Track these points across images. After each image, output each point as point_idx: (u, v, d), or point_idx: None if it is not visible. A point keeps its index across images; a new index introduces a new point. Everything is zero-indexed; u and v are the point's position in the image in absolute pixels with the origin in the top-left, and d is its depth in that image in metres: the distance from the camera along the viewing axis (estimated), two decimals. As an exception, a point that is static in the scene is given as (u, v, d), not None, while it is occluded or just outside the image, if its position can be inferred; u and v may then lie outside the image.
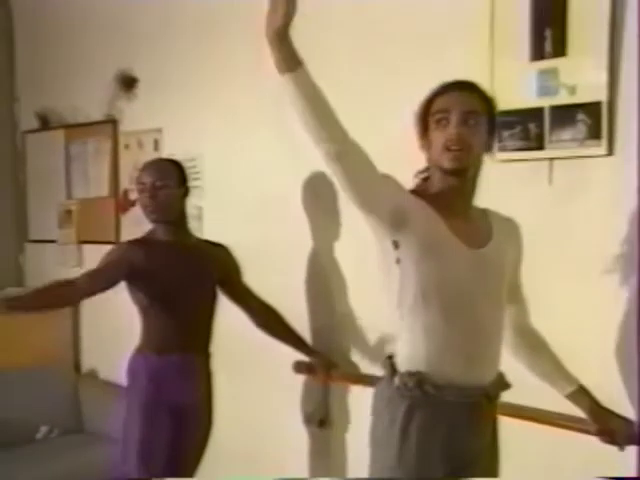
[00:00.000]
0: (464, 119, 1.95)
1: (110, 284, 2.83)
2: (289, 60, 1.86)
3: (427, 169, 2.10)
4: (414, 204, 1.99)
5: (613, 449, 2.17)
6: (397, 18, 2.86)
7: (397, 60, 2.86)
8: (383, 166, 2.77)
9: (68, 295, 2.84)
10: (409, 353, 2.02)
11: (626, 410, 2.23)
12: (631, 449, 2.19)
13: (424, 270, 1.96)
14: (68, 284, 2.78)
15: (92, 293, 2.81)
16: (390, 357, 2.08)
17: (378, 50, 2.94)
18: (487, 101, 2.02)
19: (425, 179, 2.10)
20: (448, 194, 2.02)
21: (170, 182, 2.95)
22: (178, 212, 3.01)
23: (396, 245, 1.97)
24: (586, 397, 2.19)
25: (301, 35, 3.13)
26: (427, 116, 2.02)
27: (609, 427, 2.16)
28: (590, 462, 2.28)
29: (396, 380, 2.00)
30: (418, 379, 1.97)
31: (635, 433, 2.17)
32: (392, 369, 2.04)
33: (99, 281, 2.81)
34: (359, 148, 1.94)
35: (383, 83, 2.92)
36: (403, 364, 2.02)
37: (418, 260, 1.96)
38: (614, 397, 2.24)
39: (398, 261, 1.98)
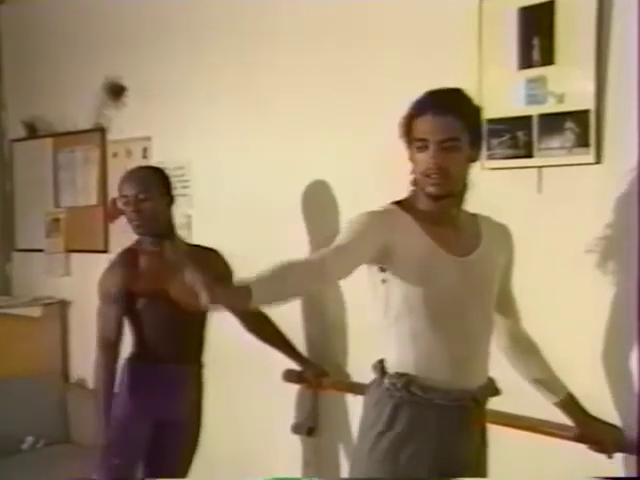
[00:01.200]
0: (441, 147, 1.94)
1: (120, 315, 2.95)
2: (244, 300, 1.81)
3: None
4: (396, 229, 1.99)
5: (601, 457, 2.17)
6: (385, 26, 2.87)
7: (385, 68, 2.87)
8: (373, 172, 2.82)
9: None
10: (397, 358, 2.04)
11: (614, 418, 2.24)
12: (619, 457, 2.19)
13: (410, 285, 1.99)
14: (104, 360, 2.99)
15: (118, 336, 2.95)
16: (381, 361, 2.09)
17: (365, 58, 2.95)
18: (466, 117, 1.99)
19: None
20: (432, 211, 2.03)
21: (154, 193, 2.91)
22: (165, 222, 2.98)
23: (382, 269, 2.01)
24: (575, 406, 2.20)
25: (286, 36, 3.20)
26: (409, 134, 2.01)
27: (597, 436, 2.17)
28: (578, 470, 2.28)
29: (385, 381, 2.02)
30: (407, 380, 1.98)
31: (623, 441, 2.17)
32: (382, 371, 2.06)
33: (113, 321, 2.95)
34: (331, 255, 1.94)
35: (371, 91, 2.93)
36: (393, 368, 2.04)
37: (404, 277, 1.99)
38: (602, 403, 2.25)
39: (384, 281, 2.01)
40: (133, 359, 2.99)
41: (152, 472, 2.98)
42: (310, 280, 1.94)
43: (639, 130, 2.17)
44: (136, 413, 2.89)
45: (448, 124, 1.95)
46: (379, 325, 2.08)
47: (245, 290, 1.77)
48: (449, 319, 2.00)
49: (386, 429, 2.00)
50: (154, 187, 2.93)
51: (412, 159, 2.01)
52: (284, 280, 1.85)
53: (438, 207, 2.03)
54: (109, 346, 2.90)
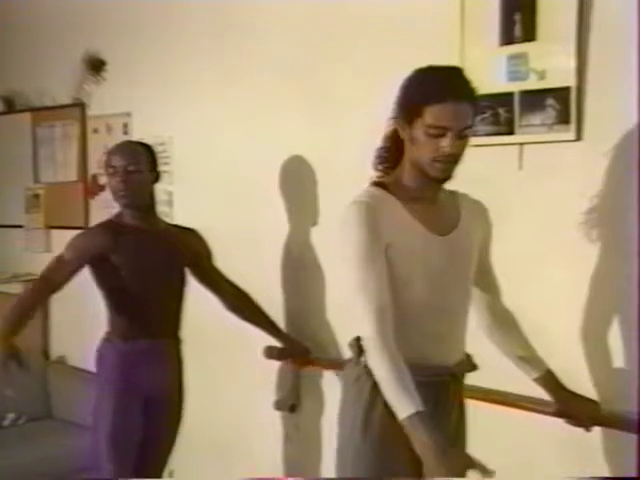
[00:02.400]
0: (460, 135, 1.92)
1: (74, 274, 2.88)
2: None
3: (391, 150, 2.09)
4: (389, 221, 1.97)
5: (579, 430, 2.20)
6: (365, 2, 2.85)
7: (368, 44, 2.85)
8: (354, 148, 2.81)
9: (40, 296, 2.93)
10: None
11: (591, 392, 2.27)
12: (597, 430, 2.22)
13: (391, 264, 1.97)
14: (31, 291, 2.91)
15: (59, 285, 2.87)
16: (358, 339, 2.08)
17: (347, 33, 2.93)
18: (476, 102, 1.97)
19: (391, 163, 2.10)
20: (420, 186, 2.02)
21: (142, 166, 2.92)
22: (149, 197, 2.98)
23: None
24: (553, 381, 2.21)
25: (268, 15, 3.17)
26: (416, 115, 1.93)
27: (575, 410, 2.19)
28: (556, 443, 2.31)
29: (362, 360, 2.02)
30: None
31: (600, 415, 2.20)
32: (359, 349, 2.05)
33: (64, 273, 2.88)
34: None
35: (353, 66, 2.91)
36: None
37: (390, 259, 1.97)
38: (580, 379, 2.27)
39: None
40: (111, 337, 2.98)
41: (139, 451, 2.97)
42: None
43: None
44: (124, 395, 2.88)
45: (467, 111, 1.92)
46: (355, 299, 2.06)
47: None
48: (428, 296, 2.00)
49: (369, 408, 2.00)
50: (143, 161, 2.93)
51: (414, 142, 1.96)
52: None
53: (428, 188, 2.03)
54: (47, 285, 2.90)
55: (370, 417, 2.00)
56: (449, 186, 2.10)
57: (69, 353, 4.53)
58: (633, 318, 2.16)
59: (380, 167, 2.12)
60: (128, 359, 2.91)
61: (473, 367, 2.12)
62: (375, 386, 1.98)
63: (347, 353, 2.90)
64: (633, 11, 2.15)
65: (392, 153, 2.09)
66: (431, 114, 1.90)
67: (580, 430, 2.19)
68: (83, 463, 3.05)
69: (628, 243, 2.18)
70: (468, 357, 2.11)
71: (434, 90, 1.92)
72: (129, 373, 2.89)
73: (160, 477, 3.10)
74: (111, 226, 2.95)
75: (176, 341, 3.04)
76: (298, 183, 3.22)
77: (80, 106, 4.24)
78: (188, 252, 3.06)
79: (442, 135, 1.90)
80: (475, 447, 2.14)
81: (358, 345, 2.06)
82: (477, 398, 2.21)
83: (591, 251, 2.28)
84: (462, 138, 1.94)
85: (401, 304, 1.99)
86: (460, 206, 2.12)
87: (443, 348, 2.04)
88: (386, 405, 1.95)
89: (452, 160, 1.95)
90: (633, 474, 2.05)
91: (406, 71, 2.02)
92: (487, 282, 2.22)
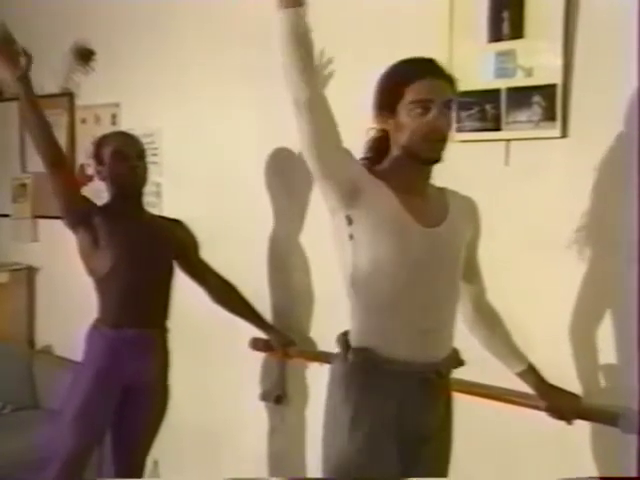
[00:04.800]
0: (445, 107, 1.96)
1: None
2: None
3: (377, 146, 2.11)
4: (369, 180, 1.99)
5: (561, 423, 2.23)
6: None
7: (356, 40, 2.86)
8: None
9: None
10: (360, 329, 2.05)
11: (573, 386, 2.29)
12: (579, 423, 2.25)
13: (377, 247, 1.98)
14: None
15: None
16: (345, 333, 2.09)
17: (335, 30, 2.93)
18: (454, 83, 2.02)
19: (378, 156, 2.11)
20: (409, 175, 2.03)
21: (145, 155, 2.99)
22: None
23: (349, 221, 1.99)
24: (535, 375, 2.25)
25: (258, 14, 3.17)
26: (397, 99, 1.98)
27: (557, 404, 2.22)
28: (540, 437, 2.34)
29: (349, 357, 2.03)
30: (368, 355, 2.00)
31: (581, 408, 2.23)
32: (346, 345, 2.06)
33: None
34: (328, 103, 1.95)
35: (342, 63, 2.92)
36: (355, 341, 2.05)
37: (371, 237, 1.98)
38: (563, 373, 2.30)
39: (351, 237, 1.99)
40: (98, 324, 2.99)
41: (119, 440, 3.00)
42: None
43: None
44: (103, 379, 2.89)
45: (446, 87, 1.99)
46: (345, 294, 2.08)
47: None
48: (415, 290, 2.00)
49: (358, 405, 2.00)
50: (145, 150, 3.00)
51: (400, 127, 1.99)
52: None
53: (418, 178, 2.05)
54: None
55: (358, 416, 2.00)
56: (437, 183, 2.13)
57: (55, 342, 4.53)
58: (620, 313, 2.19)
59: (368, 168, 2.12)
60: (114, 346, 2.92)
61: (460, 363, 2.13)
62: (362, 385, 2.00)
63: (332, 345, 2.97)
64: (620, 10, 2.17)
65: (378, 154, 2.12)
66: (412, 90, 1.96)
67: (562, 423, 2.22)
68: (51, 448, 3.01)
69: (618, 239, 2.21)
70: (455, 352, 2.12)
71: (412, 70, 2.00)
72: (113, 360, 2.90)
73: (143, 466, 3.11)
74: (104, 210, 2.96)
75: (163, 331, 3.05)
76: (285, 175, 3.23)
77: (68, 96, 4.23)
78: (175, 243, 3.08)
79: (426, 111, 1.95)
80: (460, 440, 2.17)
81: (345, 340, 2.07)
82: (461, 391, 2.23)
83: (577, 246, 2.30)
84: (446, 114, 1.98)
85: (387, 298, 2.00)
86: (449, 202, 2.14)
87: (430, 344, 2.04)
88: (374, 400, 1.98)
89: (440, 138, 1.98)
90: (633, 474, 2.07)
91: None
92: (472, 278, 2.24)
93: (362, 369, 2.01)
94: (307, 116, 1.89)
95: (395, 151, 2.06)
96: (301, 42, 1.88)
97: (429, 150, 1.98)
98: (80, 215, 2.85)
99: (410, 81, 1.97)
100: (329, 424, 2.10)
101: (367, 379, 2.00)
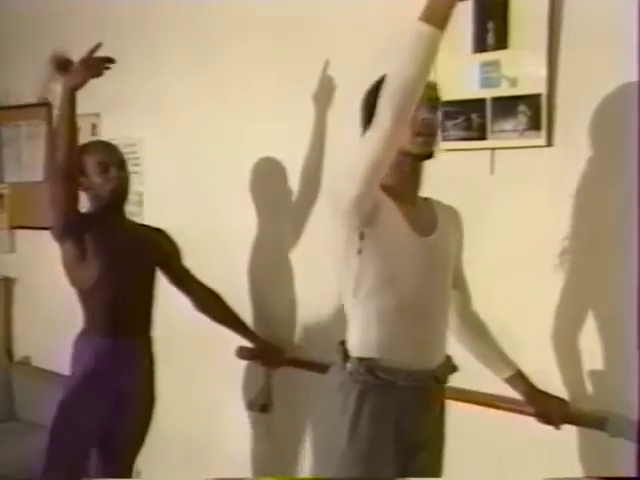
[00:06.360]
0: (431, 107, 2.00)
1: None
2: (444, 20, 1.79)
3: None
4: (380, 195, 2.00)
5: (549, 428, 2.26)
6: (340, 7, 2.88)
7: (339, 52, 2.89)
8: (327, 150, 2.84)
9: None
10: (361, 340, 2.04)
11: (560, 391, 2.33)
12: (567, 428, 2.28)
13: (383, 259, 2.00)
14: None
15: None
16: (342, 343, 2.10)
17: (320, 42, 2.97)
18: (435, 88, 2.06)
19: None
20: (402, 182, 2.05)
21: (127, 165, 2.98)
22: None
23: (362, 236, 1.98)
24: (523, 381, 2.27)
25: (241, 12, 3.19)
26: None
27: (545, 409, 2.25)
28: (529, 442, 2.37)
29: (348, 366, 2.03)
30: (370, 364, 2.00)
31: (569, 413, 2.26)
32: (344, 355, 2.06)
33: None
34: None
35: (336, 68, 2.95)
36: (355, 350, 2.05)
37: (378, 250, 1.99)
38: (550, 380, 2.33)
39: (359, 252, 1.99)
40: (83, 334, 2.97)
41: (104, 449, 2.97)
42: None
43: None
44: (89, 390, 2.87)
45: (431, 91, 2.02)
46: (345, 305, 2.09)
47: None
48: (413, 299, 2.02)
49: (357, 416, 2.00)
50: (126, 160, 2.98)
51: None
52: None
53: (408, 173, 2.06)
54: None
55: (357, 426, 2.00)
56: (423, 190, 2.15)
57: (33, 353, 4.50)
58: (605, 320, 2.22)
59: None
60: (102, 356, 2.89)
61: (454, 369, 2.15)
62: (361, 393, 2.00)
63: (318, 354, 2.99)
64: (604, 19, 2.21)
65: None
66: None
67: (550, 428, 2.25)
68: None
69: (598, 247, 2.25)
70: (449, 359, 2.14)
71: None
72: (101, 370, 2.88)
73: (129, 476, 3.09)
74: (87, 220, 2.93)
75: (148, 340, 3.03)
76: (269, 184, 3.24)
77: (47, 106, 4.21)
78: (157, 251, 3.07)
79: (416, 112, 1.93)
80: (450, 446, 2.19)
81: (343, 350, 2.08)
82: (450, 398, 2.25)
83: (563, 253, 2.34)
84: (433, 112, 2.02)
85: (389, 309, 2.01)
86: (435, 211, 2.17)
87: (426, 352, 2.05)
88: (370, 411, 1.99)
89: (431, 132, 2.02)
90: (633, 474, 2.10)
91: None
92: (458, 286, 2.26)
93: (361, 378, 2.01)
94: (377, 145, 1.84)
95: None
96: (427, 69, 1.82)
97: (422, 144, 2.00)
98: (73, 227, 2.82)
99: None
100: (326, 433, 2.09)
101: (366, 387, 2.01)
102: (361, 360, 2.02)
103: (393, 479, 2.03)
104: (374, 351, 2.02)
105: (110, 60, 2.80)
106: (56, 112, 4.10)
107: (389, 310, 2.01)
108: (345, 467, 2.01)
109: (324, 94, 2.99)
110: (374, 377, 2.00)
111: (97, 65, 2.78)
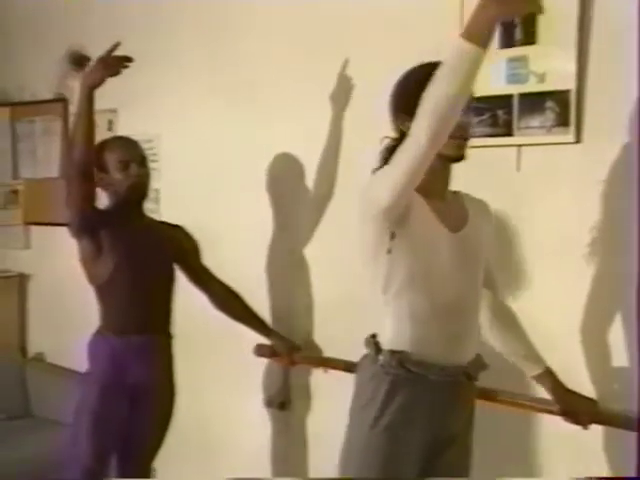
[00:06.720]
0: (466, 109, 1.94)
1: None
2: (487, 38, 1.73)
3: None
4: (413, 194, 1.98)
5: (577, 428, 2.24)
6: (363, 2, 2.86)
7: (362, 46, 2.87)
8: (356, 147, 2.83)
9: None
10: (393, 334, 2.04)
11: (590, 391, 2.30)
12: (595, 428, 2.25)
13: (413, 258, 1.99)
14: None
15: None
16: (374, 336, 2.09)
17: (341, 35, 2.94)
18: None
19: None
20: (432, 180, 2.01)
21: (147, 162, 2.97)
22: None
23: (392, 236, 1.97)
24: (552, 379, 2.25)
25: (258, 11, 3.17)
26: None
27: (574, 408, 2.22)
28: (555, 441, 2.35)
29: (380, 358, 2.03)
30: (401, 357, 1.99)
31: (598, 413, 2.24)
32: (376, 347, 2.06)
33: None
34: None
35: (349, 70, 2.93)
36: (387, 344, 2.04)
37: (409, 249, 1.98)
38: (579, 377, 2.31)
39: (389, 251, 1.98)
40: (102, 331, 2.96)
41: (125, 446, 2.96)
42: None
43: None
44: (112, 387, 2.86)
45: None
46: (375, 302, 2.07)
47: None
48: (445, 294, 2.01)
49: (384, 406, 2.00)
50: (146, 157, 2.98)
51: None
52: None
53: (441, 172, 2.05)
54: None
55: (384, 414, 2.00)
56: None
57: (47, 350, 4.49)
58: (632, 317, 2.20)
59: None
60: (119, 354, 2.88)
61: (484, 366, 2.13)
62: (391, 385, 2.00)
63: (334, 351, 2.98)
64: (633, 15, 2.18)
65: None
66: None
67: (578, 428, 2.23)
68: (64, 459, 2.98)
69: (628, 243, 2.21)
70: (479, 356, 2.12)
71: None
72: (119, 368, 2.87)
73: (148, 473, 3.09)
74: (106, 217, 2.92)
75: (167, 337, 3.02)
76: (285, 181, 3.23)
77: (62, 102, 4.20)
78: (175, 248, 3.05)
79: None
80: (475, 445, 2.17)
81: (375, 342, 2.07)
82: (479, 397, 2.22)
83: (591, 251, 2.32)
84: (467, 114, 1.99)
85: (420, 305, 2.00)
86: (466, 204, 2.15)
87: (458, 347, 2.05)
88: (400, 404, 1.98)
89: (465, 135, 2.01)
90: (632, 474, 2.07)
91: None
92: (488, 280, 2.23)
93: (393, 370, 2.00)
94: (413, 160, 1.82)
95: None
96: (468, 84, 1.77)
97: (454, 147, 1.99)
98: (89, 223, 2.81)
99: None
100: (353, 426, 2.09)
101: (397, 380, 2.00)
102: (393, 353, 2.01)
103: (418, 473, 2.03)
104: (406, 345, 2.01)
105: (128, 59, 2.76)
106: (72, 108, 4.14)
107: (421, 306, 2.00)
108: (371, 454, 2.01)
109: (342, 93, 2.97)
110: (405, 370, 2.00)
111: (116, 64, 2.75)
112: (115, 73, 2.77)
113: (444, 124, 1.77)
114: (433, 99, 1.75)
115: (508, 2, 1.71)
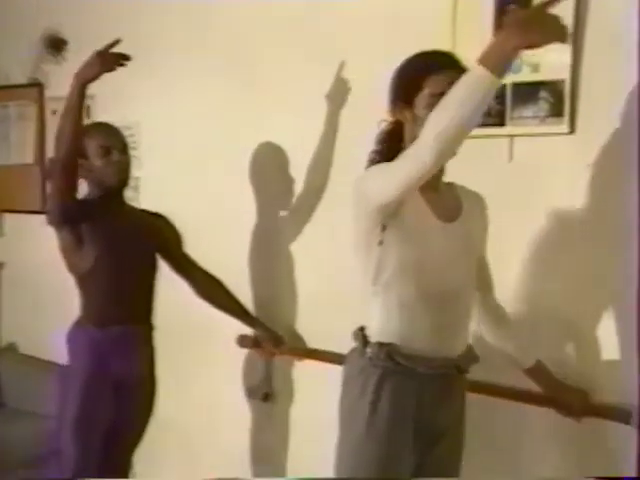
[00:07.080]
0: None
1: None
2: (504, 68, 1.71)
3: (389, 139, 2.09)
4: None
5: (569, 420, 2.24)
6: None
7: (355, 42, 2.82)
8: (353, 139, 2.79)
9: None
10: (382, 326, 2.02)
11: (582, 383, 2.29)
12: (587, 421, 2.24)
13: (404, 248, 1.97)
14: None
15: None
16: (362, 329, 2.07)
17: (332, 31, 2.89)
18: None
19: (389, 149, 2.08)
20: None
21: (128, 149, 2.92)
22: None
23: (384, 228, 1.96)
24: (543, 371, 2.25)
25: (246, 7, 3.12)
26: (415, 91, 1.97)
27: (566, 400, 2.23)
28: (549, 434, 2.34)
29: (368, 351, 2.01)
30: (390, 350, 1.98)
31: (590, 405, 2.23)
32: (364, 340, 2.04)
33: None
34: None
35: (350, 62, 2.89)
36: (375, 336, 2.02)
37: (400, 240, 1.97)
38: (572, 370, 2.30)
39: (380, 243, 1.97)
40: (82, 323, 2.90)
41: (106, 440, 2.90)
42: None
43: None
44: (95, 379, 2.81)
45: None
46: (364, 294, 2.05)
47: None
48: (435, 286, 1.99)
49: (375, 398, 1.98)
50: (127, 143, 2.93)
51: (417, 120, 1.96)
52: None
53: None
54: None
55: (376, 409, 1.98)
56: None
57: (20, 340, 4.41)
58: (626, 310, 2.19)
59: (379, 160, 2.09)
60: (100, 345, 2.84)
61: (475, 358, 2.11)
62: (381, 378, 1.98)
63: (318, 342, 2.95)
64: (629, 6, 2.17)
65: (390, 146, 2.09)
66: (431, 83, 1.95)
67: (570, 420, 2.23)
68: (42, 451, 2.94)
69: (622, 236, 2.20)
70: (470, 348, 2.11)
71: (431, 63, 1.99)
72: (100, 359, 2.83)
73: (129, 464, 3.06)
74: (86, 206, 2.86)
75: (149, 327, 2.98)
76: (268, 169, 3.19)
77: (38, 86, 4.11)
78: (157, 237, 3.01)
79: None
80: (467, 437, 2.16)
81: (363, 335, 2.05)
82: (470, 390, 2.21)
83: (581, 244, 2.30)
84: None
85: (410, 297, 1.98)
86: (460, 196, 2.13)
87: (447, 340, 2.03)
88: (390, 397, 1.96)
89: None
90: (632, 474, 2.07)
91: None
92: (481, 275, 2.21)
93: (381, 363, 1.98)
94: (414, 173, 1.82)
95: (409, 144, 2.02)
96: (479, 113, 1.75)
97: None
98: (70, 215, 2.75)
99: (429, 73, 1.96)
100: (345, 420, 2.07)
101: (386, 373, 1.99)
102: (381, 345, 1.99)
103: (411, 465, 2.02)
104: (394, 337, 1.99)
105: (126, 57, 2.70)
106: (47, 93, 4.06)
107: (411, 297, 1.98)
108: (363, 451, 1.99)
109: (338, 94, 2.93)
110: (394, 363, 1.98)
111: (113, 60, 2.69)
112: (110, 69, 2.68)
113: (450, 147, 1.77)
114: (442, 121, 1.73)
115: (533, 32, 1.66)
